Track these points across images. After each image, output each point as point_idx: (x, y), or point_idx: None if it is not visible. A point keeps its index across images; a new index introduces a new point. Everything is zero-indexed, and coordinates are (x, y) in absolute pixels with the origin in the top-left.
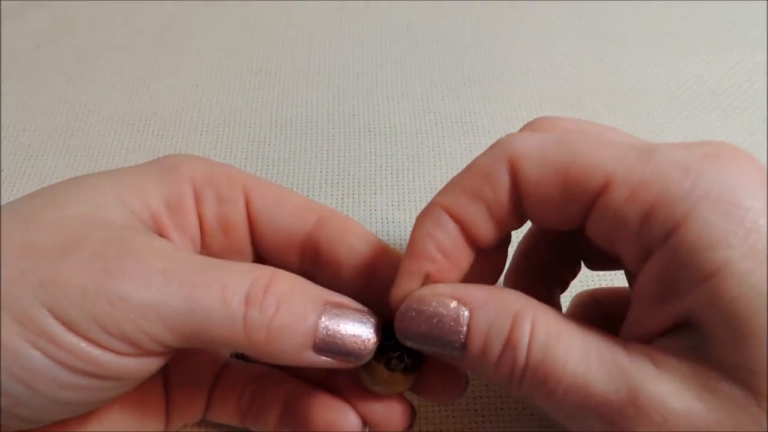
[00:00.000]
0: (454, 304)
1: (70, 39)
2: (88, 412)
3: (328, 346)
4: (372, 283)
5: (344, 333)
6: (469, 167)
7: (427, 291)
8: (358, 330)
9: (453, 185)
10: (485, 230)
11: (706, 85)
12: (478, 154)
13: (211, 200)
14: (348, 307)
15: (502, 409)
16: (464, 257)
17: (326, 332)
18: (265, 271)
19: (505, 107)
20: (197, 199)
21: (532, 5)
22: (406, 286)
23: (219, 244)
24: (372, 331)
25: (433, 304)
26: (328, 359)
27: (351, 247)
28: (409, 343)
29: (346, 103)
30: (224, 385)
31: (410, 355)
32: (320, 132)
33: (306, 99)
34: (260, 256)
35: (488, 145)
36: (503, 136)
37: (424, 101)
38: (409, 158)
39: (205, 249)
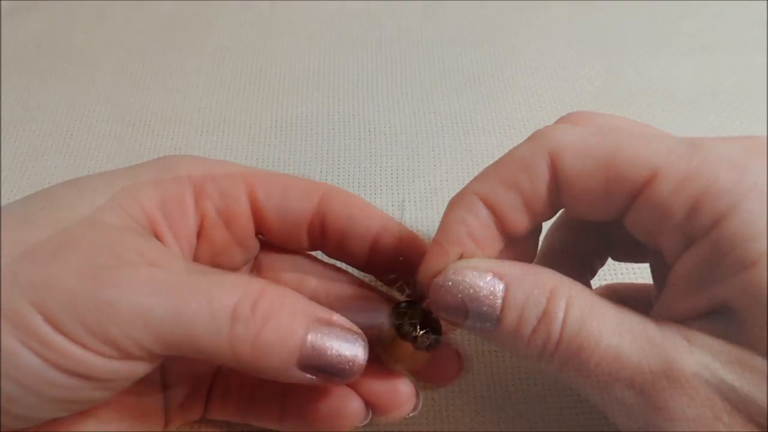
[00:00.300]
0: (489, 277)
1: (70, 39)
2: (86, 413)
3: (313, 363)
4: (378, 253)
5: (331, 351)
6: (506, 157)
7: (464, 263)
8: (346, 348)
9: (489, 174)
10: (519, 220)
11: (705, 86)
12: (516, 145)
13: (214, 195)
14: (337, 325)
15: (503, 409)
16: (495, 244)
17: (312, 349)
18: (256, 285)
19: (504, 107)
20: (199, 194)
21: (532, 6)
22: (437, 263)
23: (221, 237)
24: (361, 350)
25: (470, 275)
26: (314, 377)
27: (355, 220)
28: (443, 314)
29: (346, 103)
30: (223, 382)
31: (433, 332)
32: (320, 132)
33: (306, 99)
34: (266, 244)
35: (488, 145)
36: (542, 127)
37: (423, 101)
38: (409, 158)
39: (207, 243)
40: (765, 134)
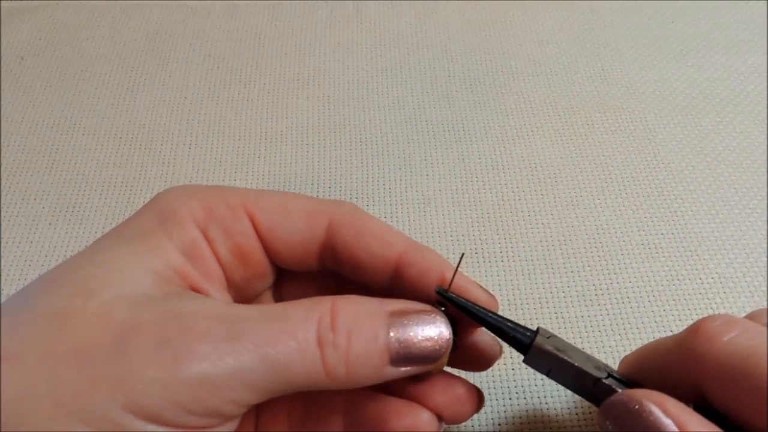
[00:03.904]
0: (674, 429)
1: (54, 51)
2: None
3: (404, 356)
4: (400, 278)
5: (416, 339)
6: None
7: (658, 396)
8: (428, 331)
9: None
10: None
11: (699, 89)
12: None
13: (220, 236)
14: (411, 312)
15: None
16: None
17: (399, 344)
18: (324, 304)
19: (497, 114)
20: (206, 236)
21: (524, 11)
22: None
23: (240, 275)
24: (443, 325)
25: (657, 414)
26: (408, 368)
27: (369, 250)
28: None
29: (336, 112)
30: (270, 401)
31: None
32: (311, 143)
33: (296, 109)
34: (281, 271)
35: (482, 153)
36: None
37: (415, 109)
38: (401, 168)
39: (230, 285)
40: (758, 138)
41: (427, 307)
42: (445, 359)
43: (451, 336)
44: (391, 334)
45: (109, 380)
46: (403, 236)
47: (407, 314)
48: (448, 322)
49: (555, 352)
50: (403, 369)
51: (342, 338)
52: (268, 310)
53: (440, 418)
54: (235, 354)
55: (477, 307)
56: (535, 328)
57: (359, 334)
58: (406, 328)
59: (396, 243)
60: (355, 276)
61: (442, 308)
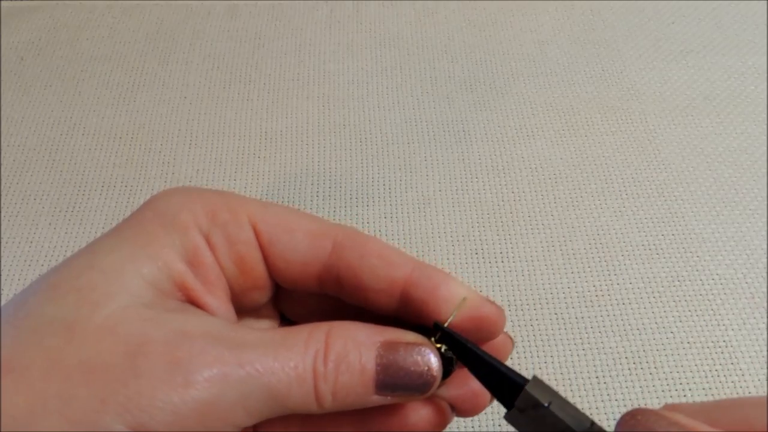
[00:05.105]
0: None
1: (55, 51)
2: None
3: (390, 386)
4: (408, 300)
5: (403, 370)
6: None
7: (673, 415)
8: (417, 364)
9: None
10: None
11: (699, 90)
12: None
13: (222, 244)
14: (401, 343)
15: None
16: None
17: (385, 375)
18: (320, 333)
19: (497, 114)
20: (209, 245)
21: (524, 11)
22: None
23: (239, 285)
24: (431, 359)
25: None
26: (395, 397)
27: (374, 272)
28: None
29: (336, 113)
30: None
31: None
32: (311, 143)
33: (296, 109)
34: (279, 286)
35: (481, 153)
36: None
37: (415, 109)
38: (401, 168)
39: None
40: (758, 139)
41: (419, 338)
42: (434, 389)
43: (441, 370)
44: (378, 364)
45: (119, 400)
46: (409, 257)
47: (397, 345)
48: (438, 354)
49: (554, 389)
50: (390, 398)
51: (332, 370)
52: (271, 337)
53: (453, 409)
54: (242, 381)
55: (471, 345)
56: (534, 330)
57: (347, 366)
58: (395, 360)
59: (402, 264)
60: (360, 302)
61: (438, 344)
